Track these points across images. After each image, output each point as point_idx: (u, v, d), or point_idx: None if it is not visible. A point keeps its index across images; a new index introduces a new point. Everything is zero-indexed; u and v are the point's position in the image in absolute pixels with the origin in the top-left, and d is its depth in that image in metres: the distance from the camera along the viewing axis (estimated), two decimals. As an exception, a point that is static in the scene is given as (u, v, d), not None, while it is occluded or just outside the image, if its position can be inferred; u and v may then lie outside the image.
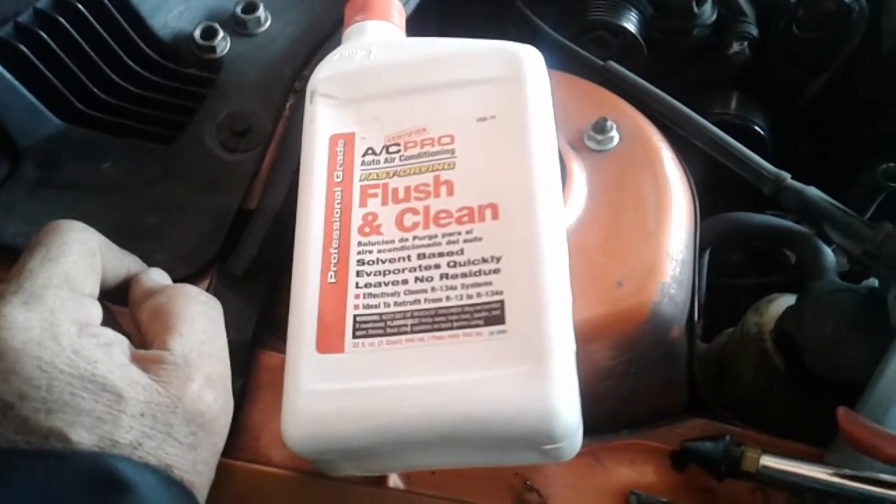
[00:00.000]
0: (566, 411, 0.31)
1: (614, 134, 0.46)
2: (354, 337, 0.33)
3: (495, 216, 0.35)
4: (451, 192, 0.36)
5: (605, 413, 0.41)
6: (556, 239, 0.35)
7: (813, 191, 0.46)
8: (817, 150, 0.66)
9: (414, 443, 0.32)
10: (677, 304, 0.42)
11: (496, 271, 0.34)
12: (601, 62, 0.52)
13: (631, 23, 0.60)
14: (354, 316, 0.34)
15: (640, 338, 0.41)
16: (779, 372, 0.45)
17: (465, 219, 0.35)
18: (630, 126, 0.47)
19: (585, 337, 0.39)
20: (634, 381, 0.42)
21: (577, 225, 0.43)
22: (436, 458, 0.34)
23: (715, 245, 0.56)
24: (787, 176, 0.47)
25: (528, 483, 0.39)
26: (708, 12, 0.61)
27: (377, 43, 0.41)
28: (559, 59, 0.52)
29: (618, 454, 0.40)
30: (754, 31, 0.61)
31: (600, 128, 0.46)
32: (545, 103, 0.38)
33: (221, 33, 0.48)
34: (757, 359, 0.47)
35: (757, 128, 0.64)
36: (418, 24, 0.48)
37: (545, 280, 0.33)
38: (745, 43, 0.61)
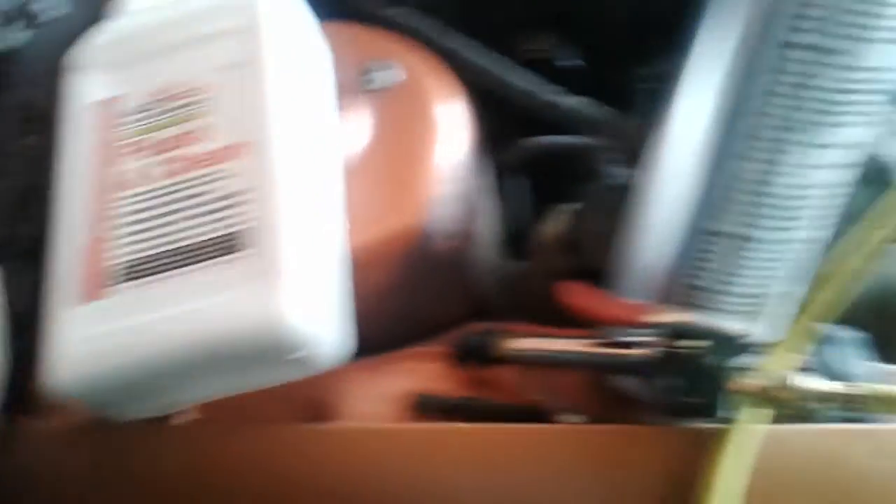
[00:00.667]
0: (295, 319, 0.35)
1: (392, 72, 0.49)
2: (115, 284, 0.37)
3: (245, 154, 0.38)
4: (203, 139, 0.39)
5: (393, 331, 0.45)
6: (306, 170, 0.38)
7: (575, 99, 0.50)
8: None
9: (171, 371, 0.36)
10: (448, 222, 0.46)
11: (244, 203, 0.37)
12: (388, 11, 0.55)
13: None
14: (114, 264, 0.37)
15: (412, 255, 0.45)
16: (564, 270, 0.50)
17: (217, 160, 0.39)
18: (410, 65, 0.51)
19: (361, 260, 0.43)
20: (415, 296, 0.46)
21: (355, 159, 0.47)
22: (202, 387, 0.38)
23: (523, 167, 0.60)
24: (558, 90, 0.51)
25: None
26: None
27: (135, 11, 0.44)
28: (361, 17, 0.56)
29: (402, 362, 0.44)
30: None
31: (375, 66, 0.49)
32: (292, 46, 0.42)
33: (10, 24, 0.51)
34: (545, 263, 0.51)
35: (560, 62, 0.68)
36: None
37: (285, 207, 0.37)
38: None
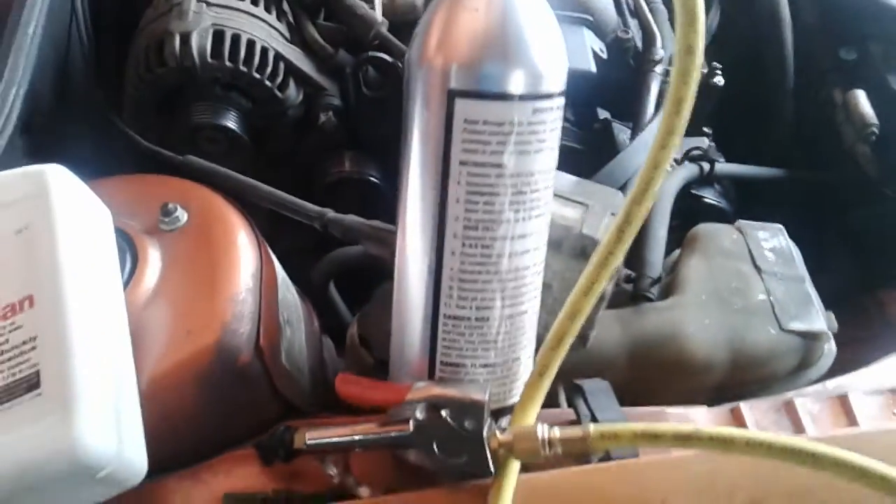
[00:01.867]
0: (90, 440, 0.39)
1: (180, 214, 0.55)
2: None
3: (31, 305, 0.43)
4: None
5: (207, 442, 0.50)
6: (91, 314, 0.44)
7: (351, 218, 0.58)
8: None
9: None
10: (243, 336, 0.51)
11: (34, 348, 0.42)
12: (180, 158, 0.62)
13: (230, 121, 0.71)
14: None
15: (212, 371, 0.50)
16: (369, 365, 0.56)
17: (9, 314, 0.43)
18: (200, 204, 0.57)
19: (166, 383, 0.49)
20: (221, 408, 0.51)
21: (153, 294, 0.52)
22: None
23: (329, 279, 0.67)
24: (329, 211, 0.58)
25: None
26: (293, 95, 0.73)
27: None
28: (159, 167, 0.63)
29: (216, 468, 0.49)
30: (337, 101, 0.74)
31: (166, 211, 0.55)
32: (74, 207, 0.47)
33: None
34: (354, 361, 0.57)
35: (371, 178, 0.76)
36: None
37: (72, 347, 0.42)
38: (330, 112, 0.74)
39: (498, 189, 0.42)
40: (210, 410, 0.51)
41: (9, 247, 0.45)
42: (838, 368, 0.64)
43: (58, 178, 0.48)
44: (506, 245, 0.43)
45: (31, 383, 0.41)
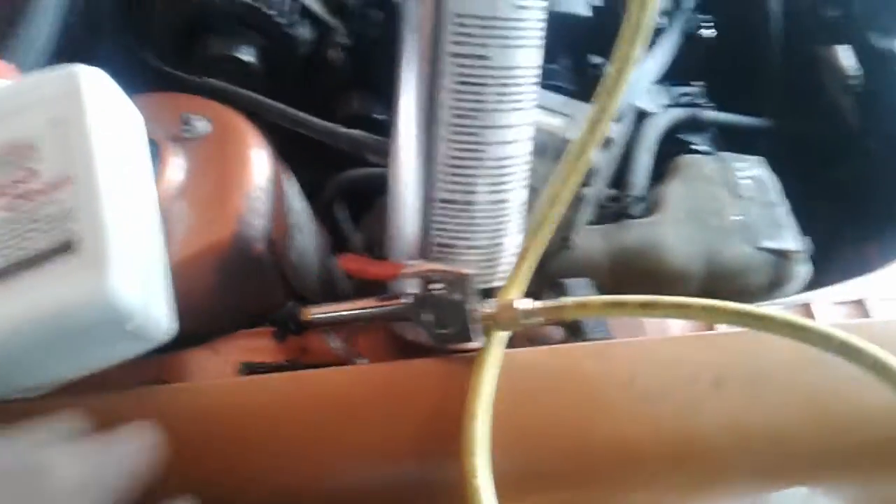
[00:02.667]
0: (123, 292, 0.44)
1: (202, 124, 0.61)
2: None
3: (71, 184, 0.48)
4: (38, 176, 0.49)
5: (223, 323, 0.55)
6: (124, 192, 0.49)
7: (358, 132, 0.63)
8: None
9: (28, 351, 0.44)
10: (257, 229, 0.57)
11: (72, 219, 0.47)
12: (200, 80, 0.68)
13: (245, 53, 0.76)
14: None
15: (229, 257, 0.55)
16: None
17: (50, 189, 0.48)
18: (219, 117, 0.62)
19: (188, 267, 0.54)
20: (237, 292, 0.56)
21: (177, 192, 0.57)
22: (57, 366, 0.47)
23: (338, 195, 0.73)
24: (339, 126, 0.63)
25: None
26: (305, 33, 0.78)
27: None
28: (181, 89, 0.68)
29: (232, 342, 0.54)
30: (345, 40, 0.79)
31: (187, 121, 0.60)
32: (106, 102, 0.53)
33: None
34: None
35: (378, 117, 0.81)
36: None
37: (105, 215, 0.47)
38: (340, 49, 0.79)
39: (484, 80, 0.46)
40: (226, 294, 0.56)
41: (47, 136, 0.51)
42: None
43: (91, 78, 0.53)
44: (491, 134, 0.48)
45: (69, 246, 0.46)
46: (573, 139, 0.56)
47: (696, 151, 0.85)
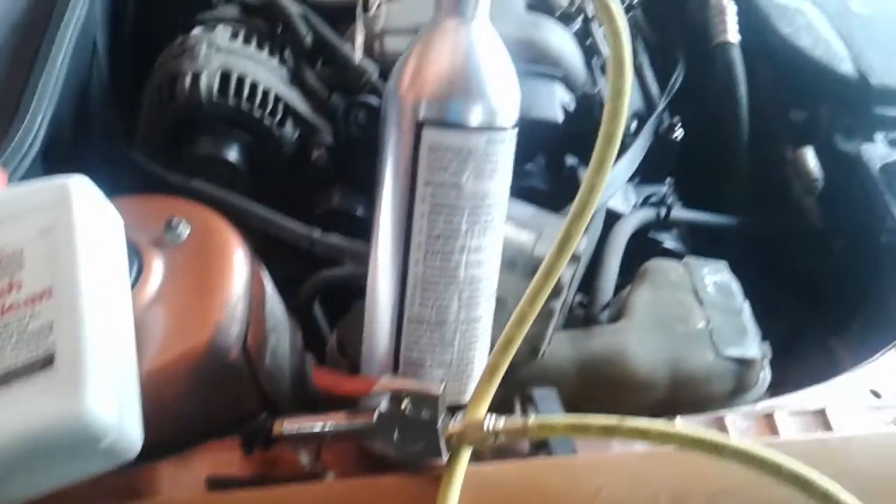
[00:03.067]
0: (98, 411, 0.45)
1: (183, 229, 0.62)
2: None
3: (50, 296, 0.50)
4: (20, 288, 0.51)
5: (195, 431, 0.56)
6: (100, 304, 0.50)
7: (335, 237, 0.65)
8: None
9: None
10: (232, 336, 0.58)
11: (51, 332, 0.48)
12: (185, 181, 0.70)
13: (232, 154, 0.78)
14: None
15: (203, 366, 0.56)
16: (346, 370, 0.63)
17: (31, 303, 0.50)
18: (201, 221, 0.64)
19: (162, 375, 0.55)
20: (210, 400, 0.57)
21: (155, 297, 0.59)
22: (27, 483, 0.47)
23: (313, 298, 0.74)
24: (316, 230, 0.65)
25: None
26: (290, 132, 0.81)
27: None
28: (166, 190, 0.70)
29: (202, 455, 0.55)
30: (329, 140, 0.82)
31: (170, 226, 0.62)
32: (92, 212, 0.54)
33: None
34: (333, 366, 0.64)
35: (358, 212, 0.84)
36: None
37: (84, 331, 0.48)
38: (323, 149, 0.81)
39: (457, 206, 0.49)
40: (200, 402, 0.57)
41: (33, 246, 0.52)
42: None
43: (79, 188, 0.55)
44: (462, 256, 0.50)
45: (47, 362, 0.47)
46: (542, 255, 0.58)
47: (666, 249, 0.88)
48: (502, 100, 0.48)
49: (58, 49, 0.70)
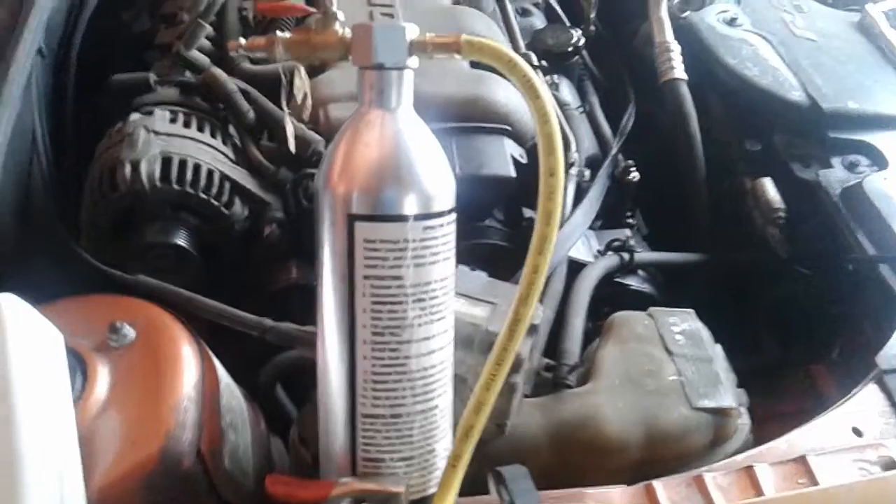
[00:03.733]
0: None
1: (128, 331, 0.60)
2: None
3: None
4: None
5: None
6: (38, 430, 0.48)
7: (287, 325, 0.63)
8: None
9: None
10: (185, 443, 0.55)
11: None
12: (130, 277, 0.68)
13: (180, 238, 0.76)
14: None
15: (156, 477, 0.54)
16: (308, 463, 0.61)
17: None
18: (146, 321, 0.62)
19: (114, 491, 0.52)
20: (167, 510, 0.54)
21: (102, 407, 0.56)
22: None
23: (275, 382, 0.72)
24: (266, 320, 0.63)
25: None
26: (239, 211, 0.79)
27: None
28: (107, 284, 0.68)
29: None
30: (280, 214, 0.80)
31: (114, 329, 0.60)
32: (25, 333, 0.52)
33: None
34: (296, 459, 0.62)
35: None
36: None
37: (22, 463, 0.46)
38: (274, 225, 0.79)
39: (399, 298, 0.47)
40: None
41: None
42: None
43: (10, 308, 0.53)
44: (412, 347, 0.48)
45: (-17, 499, 0.45)
46: (497, 330, 0.56)
47: (634, 292, 0.86)
48: (436, 185, 0.47)
49: (-9, 145, 0.68)
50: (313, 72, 0.84)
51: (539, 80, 0.43)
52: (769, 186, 0.91)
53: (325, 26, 0.49)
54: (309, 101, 0.56)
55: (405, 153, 0.46)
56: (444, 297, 0.49)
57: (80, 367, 0.58)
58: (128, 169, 0.73)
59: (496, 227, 0.83)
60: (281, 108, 0.82)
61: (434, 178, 0.47)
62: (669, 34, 1.02)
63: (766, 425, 0.72)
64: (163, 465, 0.54)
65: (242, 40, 0.51)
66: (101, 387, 0.57)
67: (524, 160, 0.82)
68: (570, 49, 1.00)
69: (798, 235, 0.90)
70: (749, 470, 0.61)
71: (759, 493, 0.59)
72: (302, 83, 0.54)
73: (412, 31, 0.46)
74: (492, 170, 0.79)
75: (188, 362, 0.60)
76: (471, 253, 0.78)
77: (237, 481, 0.59)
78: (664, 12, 1.03)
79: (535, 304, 0.47)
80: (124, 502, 0.53)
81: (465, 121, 0.80)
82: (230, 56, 0.91)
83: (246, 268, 0.82)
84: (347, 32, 0.48)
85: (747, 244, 0.94)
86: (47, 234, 0.77)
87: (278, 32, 0.50)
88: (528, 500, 0.54)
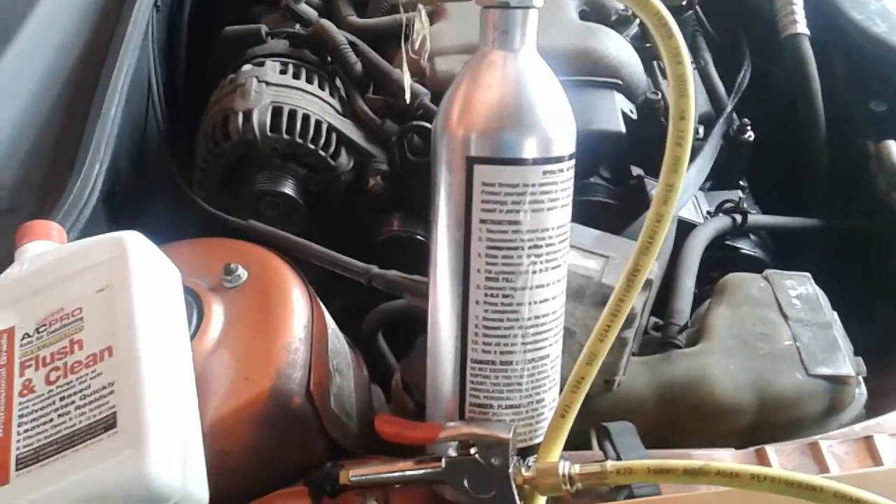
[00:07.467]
0: (161, 475, 0.44)
1: (241, 272, 0.61)
2: (17, 470, 0.46)
3: (111, 355, 0.49)
4: (81, 347, 0.50)
5: (261, 479, 0.55)
6: (161, 362, 0.50)
7: (393, 273, 0.63)
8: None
9: None
10: (295, 382, 0.57)
11: (112, 392, 0.48)
12: (242, 222, 0.69)
13: (288, 187, 0.78)
14: (16, 455, 0.47)
15: (267, 413, 0.55)
16: (411, 409, 0.61)
17: (91, 362, 0.49)
18: (258, 263, 0.63)
19: (226, 425, 0.54)
20: (275, 448, 0.56)
21: (216, 345, 0.58)
22: None
23: (377, 331, 0.73)
24: (373, 267, 0.64)
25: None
26: (345, 162, 0.80)
27: (32, 257, 0.56)
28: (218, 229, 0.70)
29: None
30: (384, 167, 0.80)
31: (228, 270, 0.61)
32: (148, 269, 0.54)
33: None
34: (398, 405, 0.62)
35: (418, 236, 0.82)
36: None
37: (145, 391, 0.47)
38: (379, 177, 0.80)
39: (515, 244, 0.46)
40: (264, 450, 0.56)
41: (92, 304, 0.52)
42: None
43: (134, 244, 0.55)
44: (525, 294, 0.47)
45: (109, 423, 0.47)
46: (610, 283, 0.55)
47: (745, 256, 0.83)
48: (556, 129, 0.46)
49: (111, 99, 0.70)
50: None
51: (671, 19, 0.41)
52: (894, 149, 0.86)
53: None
54: (428, 45, 0.55)
55: (527, 96, 0.45)
56: (560, 245, 0.48)
57: (196, 304, 0.60)
58: (240, 118, 0.75)
59: (601, 184, 0.81)
60: (389, 62, 0.82)
61: (555, 122, 0.46)
62: (793, -15, 0.96)
63: (879, 400, 0.69)
64: (273, 401, 0.55)
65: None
66: (215, 325, 0.59)
67: (634, 115, 0.80)
68: (683, 3, 0.96)
69: (925, 201, 0.85)
70: (868, 440, 0.58)
71: (879, 463, 0.57)
72: (422, 26, 0.53)
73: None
74: (601, 125, 0.77)
75: (298, 304, 0.61)
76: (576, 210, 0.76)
77: (343, 423, 0.60)
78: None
79: (655, 256, 0.46)
80: (236, 436, 0.55)
81: (575, 74, 0.78)
82: (338, 9, 0.92)
83: (349, 219, 0.83)
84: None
85: (868, 211, 0.89)
86: (162, 182, 0.80)
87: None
88: (635, 456, 0.53)
